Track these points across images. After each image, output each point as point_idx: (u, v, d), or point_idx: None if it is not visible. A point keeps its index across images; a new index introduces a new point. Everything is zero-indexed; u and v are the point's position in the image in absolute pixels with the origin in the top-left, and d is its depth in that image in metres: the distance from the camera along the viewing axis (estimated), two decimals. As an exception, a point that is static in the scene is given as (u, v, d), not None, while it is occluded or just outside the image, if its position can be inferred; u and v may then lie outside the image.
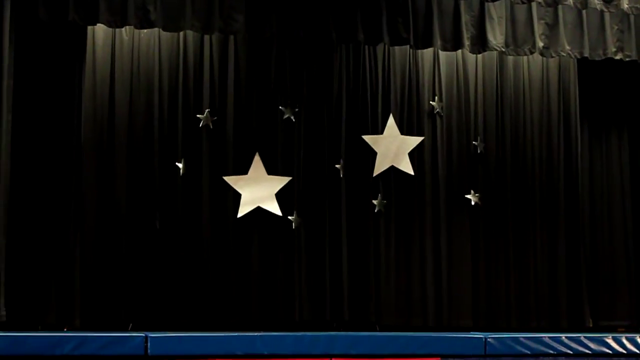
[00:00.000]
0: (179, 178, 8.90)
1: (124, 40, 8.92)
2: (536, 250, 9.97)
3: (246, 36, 9.02)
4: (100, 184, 8.70)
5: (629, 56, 9.39)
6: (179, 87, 9.04)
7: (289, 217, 9.15)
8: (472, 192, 9.81)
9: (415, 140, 9.69)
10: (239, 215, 9.03)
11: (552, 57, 9.55)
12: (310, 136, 9.38)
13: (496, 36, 9.08)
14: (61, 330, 7.89)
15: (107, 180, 8.72)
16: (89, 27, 8.58)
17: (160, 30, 8.60)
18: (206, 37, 9.07)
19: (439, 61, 9.84)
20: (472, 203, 9.79)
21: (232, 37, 9.10)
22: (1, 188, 7.69)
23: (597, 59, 9.43)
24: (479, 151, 9.90)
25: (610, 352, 7.13)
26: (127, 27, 8.53)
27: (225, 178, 9.05)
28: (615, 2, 8.82)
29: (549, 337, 7.08)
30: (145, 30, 8.76)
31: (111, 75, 8.85)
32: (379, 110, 9.62)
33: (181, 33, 8.91)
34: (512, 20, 9.16)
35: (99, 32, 8.78)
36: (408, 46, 9.26)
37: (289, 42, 9.22)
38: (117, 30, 8.74)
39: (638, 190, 10.46)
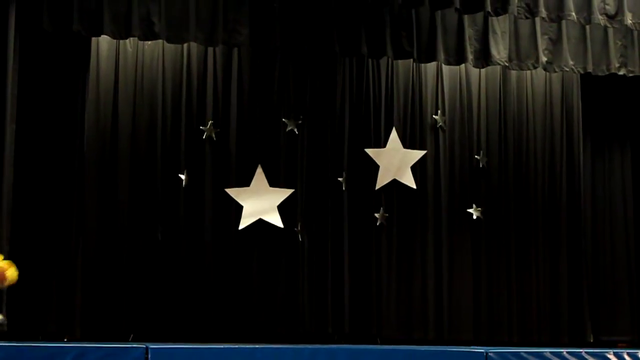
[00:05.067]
0: (181, 189, 8.92)
1: (128, 51, 8.95)
2: (538, 264, 9.96)
3: (250, 49, 9.05)
4: (103, 195, 8.71)
5: (632, 72, 9.39)
6: (182, 98, 9.07)
7: (295, 229, 9.15)
8: (474, 206, 9.81)
9: (418, 154, 9.70)
10: (241, 227, 9.04)
11: (556, 72, 9.56)
12: (313, 149, 9.40)
13: (500, 51, 9.08)
14: (62, 341, 7.90)
15: (109, 191, 8.73)
16: (93, 38, 8.62)
17: (164, 42, 8.62)
18: (210, 49, 9.10)
19: (442, 75, 9.86)
20: (474, 217, 9.79)
21: (236, 49, 9.12)
22: (4, 197, 7.70)
23: (600, 74, 9.43)
24: (481, 165, 9.90)
25: (611, 367, 7.11)
26: (131, 38, 8.55)
27: (228, 190, 9.06)
28: (618, 18, 8.82)
29: (550, 352, 7.04)
30: (149, 42, 8.79)
31: (115, 87, 8.88)
32: (382, 123, 9.63)
33: (185, 45, 8.94)
34: (515, 35, 9.17)
35: (103, 43, 8.81)
36: (411, 60, 9.29)
37: (293, 54, 9.25)
38: (121, 41, 8.77)
39: (640, 205, 10.47)
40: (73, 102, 8.57)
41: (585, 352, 7.19)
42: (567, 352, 7.09)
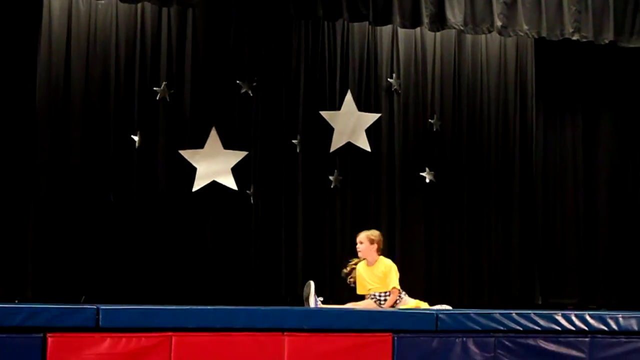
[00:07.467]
0: (134, 150, 8.86)
1: (81, 10, 8.83)
2: (490, 228, 10.07)
3: (205, 9, 8.97)
4: (54, 155, 8.63)
5: (585, 37, 9.43)
6: (136, 59, 8.99)
7: (249, 192, 9.14)
8: (427, 169, 9.86)
9: (373, 117, 9.72)
10: (195, 189, 9.02)
11: (510, 36, 9.59)
12: (268, 111, 9.38)
13: (455, 14, 9.07)
14: (12, 302, 7.85)
15: (61, 151, 8.66)
16: (45, -3, 8.50)
17: (118, 1, 8.52)
18: (164, 10, 9.01)
19: (397, 38, 9.86)
20: (427, 180, 9.85)
21: (190, 10, 9.04)
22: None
23: (554, 39, 9.46)
24: (434, 129, 9.95)
25: (559, 328, 7.20)
26: (84, -3, 8.46)
27: (181, 152, 9.02)
28: (573, -17, 8.87)
29: (499, 313, 7.12)
30: (102, 1, 8.67)
31: (67, 47, 8.76)
32: (337, 86, 9.63)
33: (139, 5, 8.84)
34: (471, -1, 9.18)
35: (55, 2, 8.68)
36: (367, 23, 9.26)
37: (248, 16, 9.18)
38: (74, 0, 8.67)
39: (590, 171, 10.59)
40: (24, 62, 8.48)
41: (534, 313, 7.29)
42: (516, 314, 7.17)
